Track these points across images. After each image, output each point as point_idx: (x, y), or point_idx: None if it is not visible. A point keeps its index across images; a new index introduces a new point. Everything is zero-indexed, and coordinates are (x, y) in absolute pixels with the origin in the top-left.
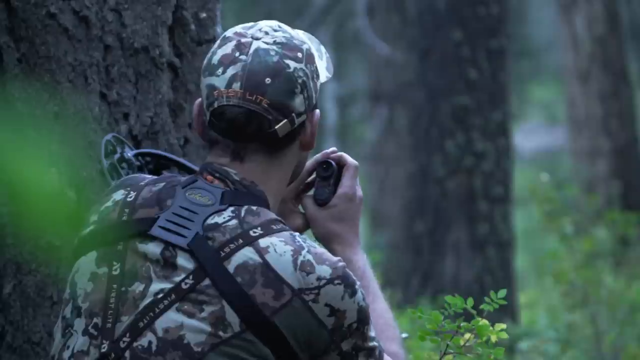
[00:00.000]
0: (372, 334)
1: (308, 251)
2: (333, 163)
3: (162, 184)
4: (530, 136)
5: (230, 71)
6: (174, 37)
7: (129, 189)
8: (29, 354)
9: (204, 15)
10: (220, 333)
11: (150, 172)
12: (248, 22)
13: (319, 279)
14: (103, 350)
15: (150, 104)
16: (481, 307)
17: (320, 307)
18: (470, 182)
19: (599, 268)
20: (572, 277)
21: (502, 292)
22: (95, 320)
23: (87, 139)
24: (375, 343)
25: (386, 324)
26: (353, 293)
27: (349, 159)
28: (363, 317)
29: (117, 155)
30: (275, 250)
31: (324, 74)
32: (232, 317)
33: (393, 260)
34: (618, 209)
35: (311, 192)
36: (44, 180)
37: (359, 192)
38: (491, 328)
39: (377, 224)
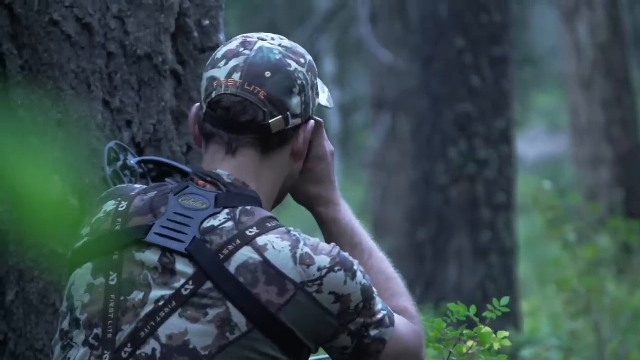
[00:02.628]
0: (378, 306)
1: (304, 244)
2: None
3: (154, 192)
4: (533, 144)
5: (233, 63)
6: (177, 45)
7: (119, 199)
8: None
9: (207, 22)
10: (228, 335)
11: (153, 180)
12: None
13: (319, 269)
14: None
15: (153, 111)
16: (484, 314)
17: (324, 296)
18: (473, 189)
19: (602, 276)
20: (574, 285)
21: (505, 300)
22: (95, 331)
23: (90, 146)
24: (383, 313)
25: (388, 279)
26: (354, 275)
27: (314, 117)
28: (367, 295)
29: (120, 163)
30: (273, 247)
31: (324, 99)
32: (238, 317)
33: (396, 268)
34: (621, 216)
35: None
36: (47, 187)
37: (329, 147)
38: (494, 336)
39: (380, 231)
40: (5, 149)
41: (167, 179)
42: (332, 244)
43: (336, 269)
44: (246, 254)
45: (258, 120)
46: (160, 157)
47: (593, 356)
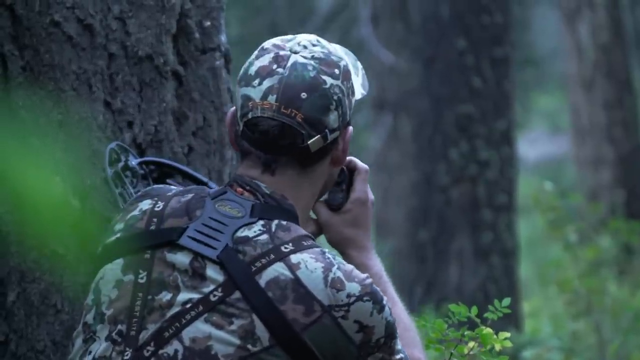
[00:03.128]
0: (398, 346)
1: (338, 268)
2: (344, 168)
3: (191, 194)
4: (534, 144)
5: (267, 83)
6: (178, 46)
7: (156, 198)
8: None
9: (208, 23)
10: (249, 347)
11: (154, 181)
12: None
13: (348, 296)
14: (126, 357)
15: (155, 112)
16: (485, 315)
17: (349, 323)
18: (474, 190)
19: (603, 276)
20: (575, 286)
21: (506, 301)
22: (119, 327)
23: (91, 147)
24: (401, 355)
25: (405, 329)
26: (381, 309)
27: (359, 163)
28: (390, 332)
29: (121, 164)
30: (306, 266)
31: (359, 91)
32: (261, 331)
33: (397, 269)
34: (622, 217)
35: (322, 198)
36: (48, 188)
37: (371, 196)
38: (495, 336)
39: (381, 232)
40: (7, 150)
41: (168, 180)
42: (367, 274)
43: (365, 298)
44: (278, 269)
45: (297, 143)
46: (161, 158)
47: (594, 357)
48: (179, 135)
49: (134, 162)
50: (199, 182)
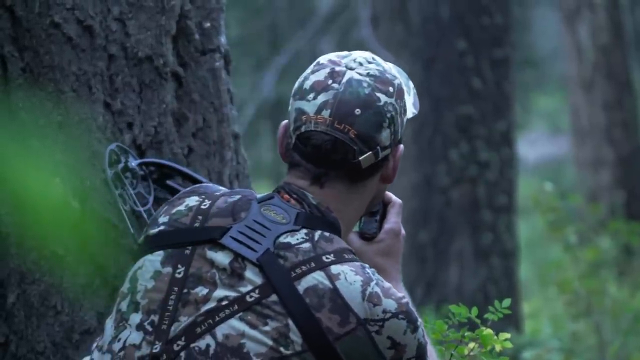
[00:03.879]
0: None
1: (376, 284)
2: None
3: (238, 196)
4: (534, 145)
5: (322, 98)
6: (177, 47)
7: (203, 196)
8: None
9: (207, 24)
10: (282, 349)
11: (154, 182)
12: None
13: (384, 311)
14: (155, 350)
15: (154, 113)
16: (485, 316)
17: (382, 339)
18: (474, 191)
19: (603, 277)
20: (575, 287)
21: (506, 302)
22: (152, 317)
23: (91, 149)
24: None
25: (430, 355)
26: (415, 329)
27: (393, 197)
28: (421, 353)
29: (121, 165)
30: (345, 278)
31: (410, 110)
32: (295, 335)
33: None
34: (621, 218)
35: (355, 228)
36: (48, 189)
37: (403, 230)
38: (495, 337)
39: None
40: (6, 151)
41: (168, 181)
42: (403, 294)
43: (400, 316)
44: (317, 278)
45: (348, 159)
46: (161, 159)
47: (594, 358)
48: (179, 136)
49: (133, 163)
50: (198, 183)
